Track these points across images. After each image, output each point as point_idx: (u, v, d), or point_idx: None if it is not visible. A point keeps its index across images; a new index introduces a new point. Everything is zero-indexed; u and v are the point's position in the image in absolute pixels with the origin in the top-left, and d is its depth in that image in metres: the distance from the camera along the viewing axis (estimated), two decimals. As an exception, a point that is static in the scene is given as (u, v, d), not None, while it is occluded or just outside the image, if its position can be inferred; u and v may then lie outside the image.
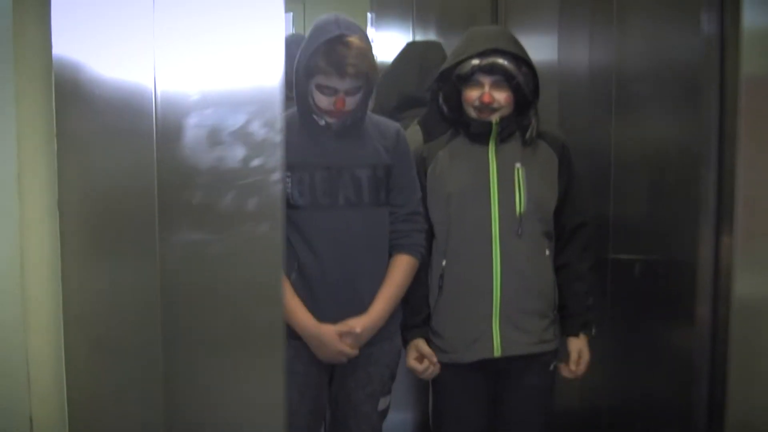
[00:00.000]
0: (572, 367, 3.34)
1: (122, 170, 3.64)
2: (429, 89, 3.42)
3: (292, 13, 8.80)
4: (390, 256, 3.33)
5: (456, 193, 3.30)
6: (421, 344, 3.32)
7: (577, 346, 3.34)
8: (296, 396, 3.32)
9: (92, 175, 3.62)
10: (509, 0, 4.56)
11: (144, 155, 3.67)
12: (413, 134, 3.53)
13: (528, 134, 3.29)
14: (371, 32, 5.87)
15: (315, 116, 3.21)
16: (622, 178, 3.68)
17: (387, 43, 5.56)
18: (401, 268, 3.31)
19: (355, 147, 3.26)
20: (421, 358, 3.33)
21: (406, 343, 3.39)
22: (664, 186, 3.36)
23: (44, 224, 3.56)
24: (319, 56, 3.10)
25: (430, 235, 3.36)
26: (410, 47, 4.28)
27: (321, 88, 3.14)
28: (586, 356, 3.33)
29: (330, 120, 3.20)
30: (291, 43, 3.97)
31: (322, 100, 3.16)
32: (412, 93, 3.90)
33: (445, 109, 3.37)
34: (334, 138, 3.23)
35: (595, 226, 3.71)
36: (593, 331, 3.36)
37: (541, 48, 4.19)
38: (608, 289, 3.75)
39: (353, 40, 3.10)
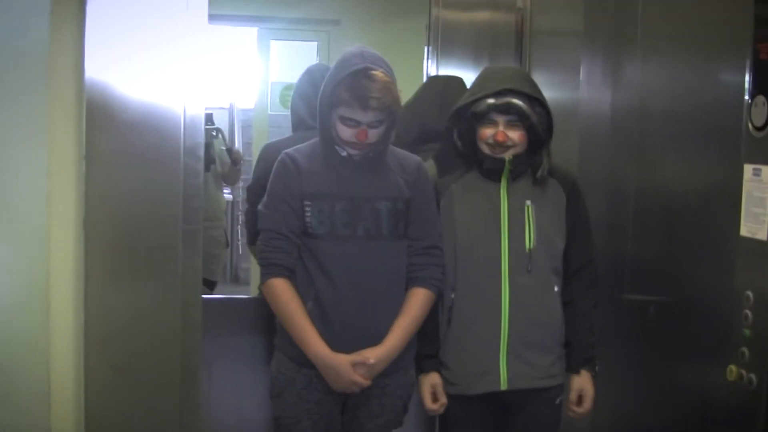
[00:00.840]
0: (573, 405, 3.37)
1: (148, 193, 3.68)
2: (445, 123, 3.47)
3: (317, 42, 8.87)
4: (407, 288, 3.35)
5: (467, 227, 3.35)
6: (436, 381, 3.36)
7: (579, 383, 3.36)
8: (309, 424, 3.35)
9: (118, 197, 3.66)
10: (533, 37, 4.58)
11: (171, 178, 3.71)
12: (428, 169, 3.57)
13: (539, 173, 3.34)
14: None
15: (337, 147, 3.25)
16: (640, 219, 3.69)
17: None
18: (417, 301, 3.33)
19: (376, 179, 3.29)
20: (434, 395, 3.36)
21: (420, 371, 3.41)
22: (682, 228, 3.38)
23: (70, 244, 3.59)
24: (343, 88, 3.14)
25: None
26: (432, 81, 4.33)
27: (344, 120, 3.17)
28: (589, 393, 3.35)
29: (352, 152, 3.23)
30: (315, 73, 4.02)
31: (345, 132, 3.19)
32: (432, 126, 3.93)
33: (459, 145, 3.43)
34: (355, 169, 3.27)
35: (611, 266, 3.73)
36: (596, 368, 3.38)
37: (563, 85, 4.22)
38: (623, 329, 3.76)
39: (377, 73, 3.13)
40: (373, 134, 3.20)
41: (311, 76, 4.19)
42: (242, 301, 3.31)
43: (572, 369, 3.38)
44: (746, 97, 2.68)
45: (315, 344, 3.24)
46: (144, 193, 3.66)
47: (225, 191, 7.64)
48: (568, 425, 3.52)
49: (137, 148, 3.65)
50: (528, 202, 3.34)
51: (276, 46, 9.00)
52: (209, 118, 6.46)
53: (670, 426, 3.40)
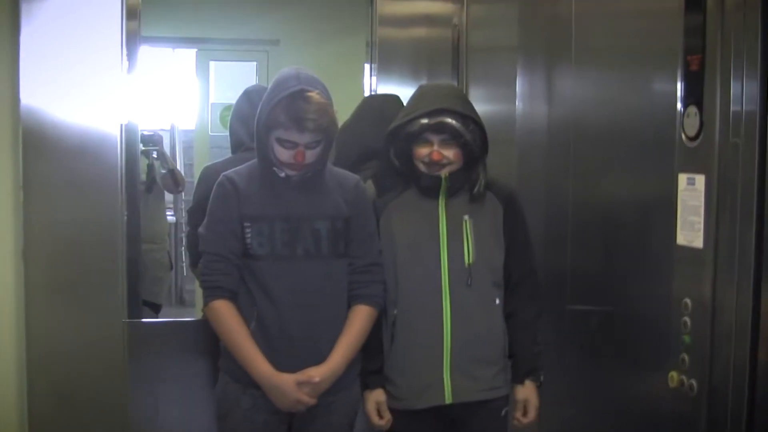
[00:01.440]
0: (518, 414, 3.40)
1: (88, 217, 3.66)
2: (381, 142, 3.49)
3: (256, 63, 8.85)
4: (349, 306, 3.37)
5: (406, 245, 3.39)
6: (381, 398, 3.39)
7: (524, 394, 3.40)
8: (255, 445, 3.34)
9: (57, 224, 3.65)
10: (470, 52, 4.61)
11: (110, 201, 3.70)
12: (367, 188, 3.58)
13: (476, 189, 3.39)
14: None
15: (275, 168, 3.26)
16: (579, 229, 3.73)
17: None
18: (360, 318, 3.36)
19: (315, 199, 3.31)
20: (380, 410, 3.39)
21: (365, 387, 3.43)
22: (619, 239, 3.41)
23: (10, 274, 3.58)
24: (280, 110, 3.16)
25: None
26: (368, 100, 4.32)
27: (281, 142, 3.20)
28: (533, 403, 3.39)
29: (290, 172, 3.25)
30: (253, 94, 4.02)
31: (282, 153, 3.21)
32: (371, 145, 3.93)
33: (396, 163, 3.45)
34: (293, 190, 3.29)
35: (552, 277, 3.76)
36: (541, 378, 3.41)
37: (500, 99, 4.26)
38: (566, 340, 3.79)
39: (313, 95, 3.15)
40: (311, 155, 3.22)
41: (249, 97, 4.18)
42: (186, 324, 3.30)
43: (517, 380, 3.41)
44: (679, 107, 2.71)
45: (259, 364, 3.25)
46: (83, 217, 3.66)
47: (168, 213, 7.60)
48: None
49: (75, 173, 3.65)
50: (466, 217, 3.38)
51: (215, 66, 8.98)
52: (157, 139, 6.43)
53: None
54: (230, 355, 3.33)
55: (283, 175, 3.28)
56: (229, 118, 4.31)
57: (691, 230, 2.66)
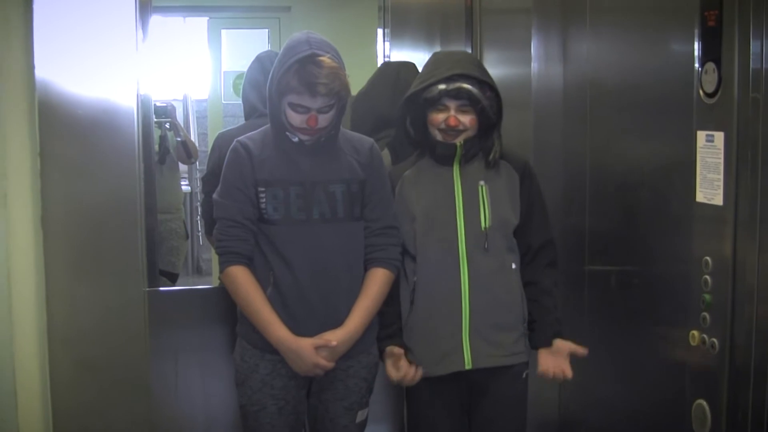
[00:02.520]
0: (552, 369, 3.35)
1: (106, 188, 3.66)
2: (396, 110, 3.48)
3: (267, 30, 8.82)
4: (366, 269, 3.37)
5: (423, 212, 3.38)
6: (395, 349, 3.35)
7: (562, 346, 3.36)
8: (274, 410, 3.37)
9: (76, 194, 3.65)
10: (483, 15, 4.59)
11: (127, 172, 3.70)
12: (383, 157, 3.57)
13: (491, 156, 3.39)
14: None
15: (288, 134, 3.25)
16: (597, 190, 3.71)
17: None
18: (377, 281, 3.36)
19: (329, 162, 3.30)
20: (397, 364, 3.35)
21: (381, 353, 3.42)
22: (638, 199, 3.40)
23: (29, 243, 3.58)
24: (291, 75, 3.14)
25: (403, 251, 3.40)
26: (384, 67, 4.30)
27: (293, 107, 3.18)
28: (574, 349, 3.36)
29: (303, 137, 3.24)
30: (265, 60, 4.00)
31: (295, 118, 3.19)
32: (386, 113, 3.91)
33: (411, 131, 3.46)
34: (307, 154, 3.28)
35: (572, 238, 3.75)
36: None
37: (515, 62, 4.24)
38: (585, 301, 3.78)
39: (324, 59, 3.13)
40: (323, 119, 3.21)
41: (261, 63, 4.17)
42: (204, 291, 3.30)
43: (542, 343, 3.39)
44: (696, 65, 2.69)
45: (276, 329, 3.25)
46: (101, 188, 3.66)
47: (183, 183, 7.60)
48: (536, 399, 3.54)
49: (92, 145, 3.65)
50: (481, 183, 3.38)
51: (227, 35, 8.95)
52: (170, 110, 6.43)
53: (635, 394, 3.42)
54: (247, 320, 3.33)
55: (296, 140, 3.26)
56: (242, 85, 4.29)
57: (710, 187, 2.64)
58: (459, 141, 3.35)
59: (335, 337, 3.26)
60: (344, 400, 3.44)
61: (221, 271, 3.33)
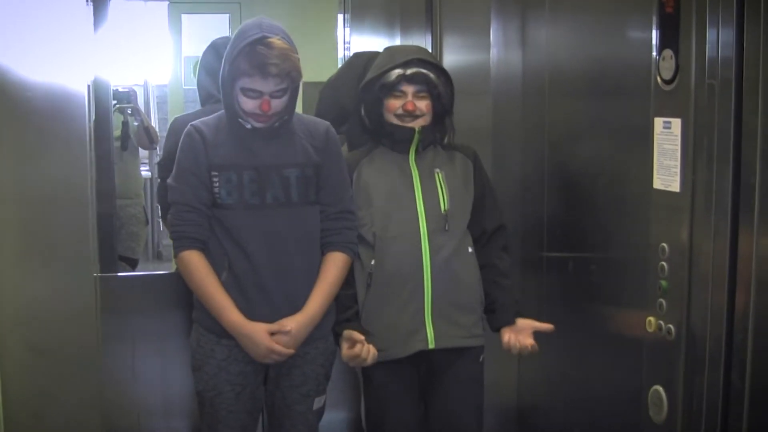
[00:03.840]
0: (513, 337, 3.36)
1: (56, 173, 3.63)
2: (354, 101, 3.49)
3: (228, 15, 8.80)
4: (323, 254, 3.37)
5: (381, 195, 3.41)
6: (351, 333, 3.32)
7: (524, 323, 3.38)
8: (231, 396, 3.36)
9: (25, 179, 3.62)
10: (444, 1, 4.58)
11: (78, 157, 3.67)
12: (344, 150, 3.57)
13: (447, 139, 3.48)
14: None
15: (242, 120, 3.24)
16: (555, 177, 3.72)
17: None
18: (334, 265, 3.36)
19: (283, 147, 3.30)
20: (353, 345, 3.32)
21: (338, 338, 3.41)
22: (596, 185, 3.41)
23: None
24: (242, 59, 3.14)
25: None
26: (353, 59, 4.23)
27: (245, 92, 3.18)
28: (537, 324, 3.38)
29: (257, 124, 3.23)
30: (220, 46, 3.98)
31: (248, 104, 3.19)
32: (349, 105, 3.90)
33: (366, 121, 3.47)
34: (261, 138, 3.27)
35: (529, 225, 3.76)
36: None
37: (474, 48, 4.23)
38: (543, 287, 3.80)
39: (274, 40, 3.13)
40: (277, 104, 3.20)
41: (216, 49, 4.14)
42: (161, 276, 3.28)
43: (505, 322, 3.41)
44: (654, 52, 2.69)
45: (230, 313, 3.24)
46: (51, 173, 3.62)
47: (143, 168, 7.57)
48: (494, 385, 3.55)
49: (42, 129, 3.62)
50: (437, 170, 3.43)
51: (187, 19, 8.91)
52: (131, 95, 6.41)
53: (592, 380, 3.44)
54: (203, 306, 3.32)
55: (249, 126, 3.25)
56: (197, 71, 4.26)
57: (667, 174, 2.65)
58: (417, 126, 3.38)
59: (292, 323, 3.25)
60: (301, 387, 3.43)
61: (176, 255, 3.32)
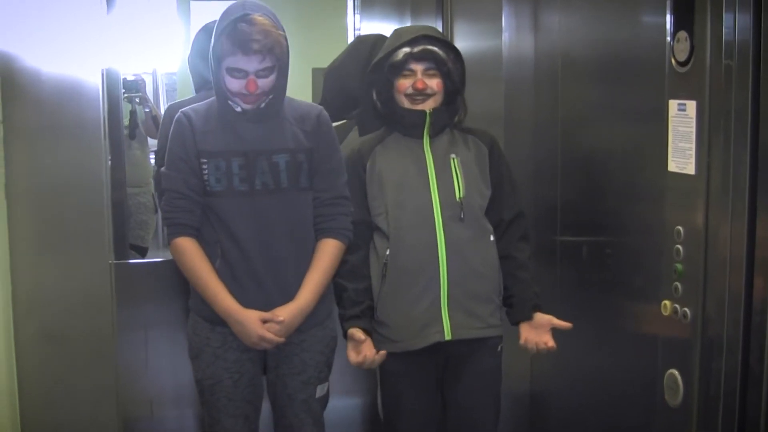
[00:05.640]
0: (537, 339, 3.33)
1: (71, 161, 3.64)
2: (364, 85, 3.46)
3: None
4: (316, 240, 3.36)
5: (396, 184, 3.35)
6: (354, 332, 3.30)
7: (543, 319, 3.34)
8: (230, 383, 3.36)
9: (40, 166, 3.62)
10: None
11: (93, 145, 3.67)
12: (354, 134, 3.54)
13: (457, 118, 3.41)
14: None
15: (230, 102, 3.23)
16: (569, 161, 3.71)
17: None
18: (327, 252, 3.35)
19: (273, 132, 3.28)
20: (358, 347, 3.31)
21: (345, 334, 3.37)
22: (610, 168, 3.40)
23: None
24: (225, 38, 3.13)
25: (367, 227, 3.40)
26: (357, 43, 4.19)
27: (231, 72, 3.16)
28: (556, 322, 3.33)
29: (244, 105, 3.21)
30: (211, 30, 3.96)
31: (233, 84, 3.17)
32: (354, 93, 3.86)
33: (378, 105, 3.43)
34: (250, 124, 3.25)
35: (544, 209, 3.75)
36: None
37: (486, 34, 4.22)
38: (557, 272, 3.78)
39: (256, 17, 3.12)
40: (263, 84, 3.18)
41: (208, 32, 4.07)
42: (173, 263, 3.27)
43: (522, 317, 3.38)
44: (668, 34, 2.68)
45: (223, 300, 3.24)
46: (67, 163, 3.63)
47: (152, 158, 7.55)
48: (507, 371, 3.53)
49: (56, 119, 3.63)
50: (452, 155, 3.37)
51: (196, 6, 8.88)
52: (140, 84, 6.39)
53: (607, 364, 3.43)
54: (197, 293, 3.32)
55: (239, 109, 3.23)
56: (189, 56, 4.22)
57: (682, 156, 2.64)
58: (428, 108, 3.33)
59: (285, 312, 3.25)
60: (301, 375, 3.42)
61: (169, 242, 3.32)
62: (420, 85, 3.31)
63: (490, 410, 3.48)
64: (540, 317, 3.35)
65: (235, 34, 3.11)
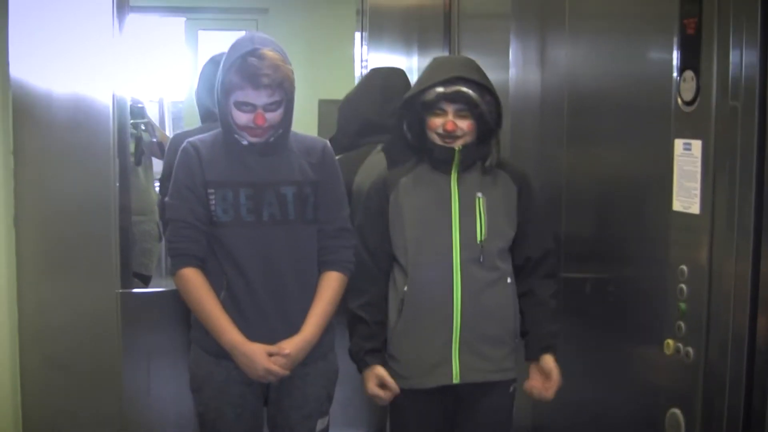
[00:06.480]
0: (537, 386, 3.33)
1: (80, 187, 3.64)
2: (393, 116, 3.45)
3: (245, 32, 8.79)
4: (319, 272, 3.36)
5: (418, 220, 3.33)
6: (382, 372, 3.31)
7: (546, 363, 3.33)
8: (232, 417, 3.34)
9: (49, 192, 3.63)
10: (462, 19, 4.58)
11: (102, 172, 3.68)
12: (378, 162, 3.55)
13: (489, 162, 3.34)
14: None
15: (237, 136, 3.23)
16: (574, 197, 3.71)
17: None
18: (331, 284, 3.35)
19: (280, 164, 3.29)
20: (382, 385, 3.31)
21: (363, 366, 3.37)
22: (615, 205, 3.40)
23: (1, 240, 3.55)
24: (234, 72, 3.13)
25: (387, 256, 3.38)
26: (372, 73, 4.28)
27: (239, 105, 3.17)
28: (556, 372, 3.31)
29: (252, 139, 3.22)
30: (219, 62, 3.98)
31: (241, 118, 3.18)
32: (374, 119, 3.91)
33: (409, 136, 3.40)
34: (258, 155, 3.26)
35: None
36: (554, 356, 3.36)
37: (493, 67, 4.22)
38: (560, 307, 3.78)
39: (266, 51, 3.13)
40: (271, 118, 3.19)
41: (215, 64, 4.10)
42: (177, 293, 3.27)
43: (531, 355, 3.37)
44: (674, 73, 2.69)
45: (228, 332, 3.22)
46: (76, 187, 3.64)
47: (156, 185, 7.56)
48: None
49: (67, 143, 3.64)
50: (479, 194, 3.33)
51: (204, 36, 8.93)
52: (142, 111, 6.39)
53: (610, 402, 3.42)
54: (201, 325, 3.31)
55: (245, 143, 3.24)
56: (196, 88, 4.23)
57: (687, 196, 2.65)
58: (457, 146, 3.30)
59: (290, 345, 3.24)
60: (303, 408, 3.41)
61: (173, 273, 3.30)
62: (450, 127, 3.26)
63: None
64: (547, 362, 3.33)
65: (244, 68, 3.11)
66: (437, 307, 3.29)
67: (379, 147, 3.79)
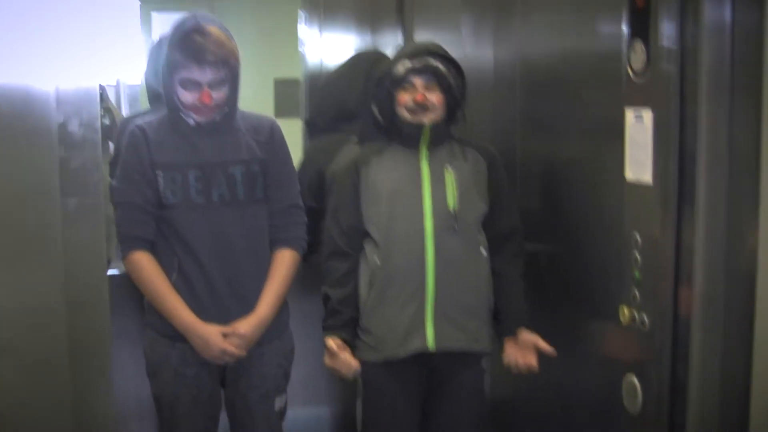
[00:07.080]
0: (518, 357, 3.38)
1: (19, 171, 3.61)
2: (363, 98, 3.47)
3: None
4: (272, 251, 3.35)
5: (389, 194, 3.34)
6: (329, 341, 3.31)
7: (528, 337, 3.38)
8: (189, 399, 3.33)
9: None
10: (415, -1, 4.59)
11: (42, 154, 3.64)
12: (354, 152, 3.53)
13: (455, 126, 3.40)
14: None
15: (183, 115, 3.21)
16: (527, 170, 3.73)
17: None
18: (283, 263, 3.35)
19: (227, 143, 3.27)
20: (334, 357, 3.31)
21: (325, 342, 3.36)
22: (569, 176, 3.42)
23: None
24: (177, 50, 3.11)
25: (359, 234, 3.39)
26: (356, 59, 4.23)
27: (184, 84, 3.15)
28: (541, 342, 3.36)
29: (198, 118, 3.20)
30: (163, 45, 3.95)
31: (187, 96, 3.16)
32: (348, 106, 3.87)
33: (379, 117, 3.42)
34: (204, 135, 3.24)
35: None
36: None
37: (446, 45, 4.22)
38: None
39: (210, 28, 3.12)
40: (217, 96, 3.17)
41: (163, 45, 4.09)
42: (126, 276, 3.25)
43: (507, 332, 3.41)
44: (624, 43, 2.71)
45: (182, 314, 3.22)
46: (13, 171, 3.59)
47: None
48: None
49: (9, 129, 3.59)
50: (448, 166, 3.36)
51: (157, 18, 8.88)
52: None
53: (567, 372, 3.44)
54: (154, 309, 3.30)
55: (192, 123, 3.22)
56: (144, 71, 4.19)
57: (639, 165, 2.67)
58: (427, 121, 3.33)
59: (245, 325, 3.24)
60: (260, 388, 3.41)
61: (123, 257, 3.29)
62: (420, 99, 3.29)
63: (472, 426, 3.50)
64: (525, 335, 3.38)
65: (188, 45, 3.10)
66: (409, 277, 3.30)
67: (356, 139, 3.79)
